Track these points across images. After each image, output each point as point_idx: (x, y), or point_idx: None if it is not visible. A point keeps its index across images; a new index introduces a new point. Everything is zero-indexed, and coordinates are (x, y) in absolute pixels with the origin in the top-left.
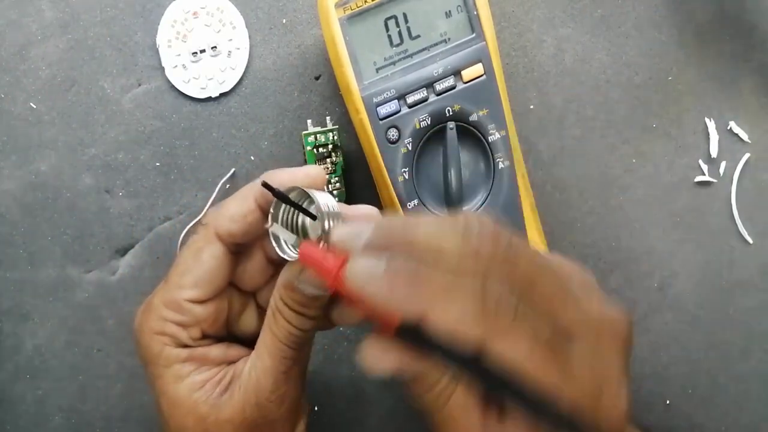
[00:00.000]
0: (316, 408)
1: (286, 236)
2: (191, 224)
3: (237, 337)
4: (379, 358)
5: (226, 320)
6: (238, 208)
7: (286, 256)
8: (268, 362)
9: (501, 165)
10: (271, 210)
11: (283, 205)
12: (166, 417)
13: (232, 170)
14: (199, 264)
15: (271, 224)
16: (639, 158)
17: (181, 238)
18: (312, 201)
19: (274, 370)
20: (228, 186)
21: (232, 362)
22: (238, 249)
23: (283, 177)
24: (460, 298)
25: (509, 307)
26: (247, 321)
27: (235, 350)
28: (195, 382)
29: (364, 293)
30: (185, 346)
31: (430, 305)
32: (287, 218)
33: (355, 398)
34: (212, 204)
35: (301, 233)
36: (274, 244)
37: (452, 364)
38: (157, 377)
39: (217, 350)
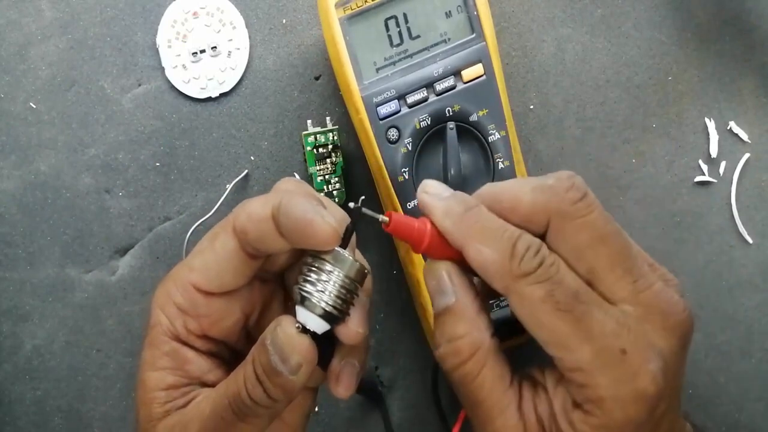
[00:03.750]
0: (316, 408)
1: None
2: (195, 225)
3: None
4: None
5: (239, 328)
6: (260, 209)
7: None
8: (206, 411)
9: (501, 165)
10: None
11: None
12: (137, 386)
13: (245, 172)
14: (211, 250)
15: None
16: (639, 158)
17: (187, 239)
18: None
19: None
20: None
21: (205, 384)
22: (255, 253)
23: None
24: (495, 242)
25: (533, 260)
26: (272, 316)
27: (216, 374)
28: (162, 381)
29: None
30: (176, 337)
31: (467, 241)
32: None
33: (355, 398)
34: (221, 205)
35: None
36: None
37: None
38: (144, 347)
39: (198, 365)
